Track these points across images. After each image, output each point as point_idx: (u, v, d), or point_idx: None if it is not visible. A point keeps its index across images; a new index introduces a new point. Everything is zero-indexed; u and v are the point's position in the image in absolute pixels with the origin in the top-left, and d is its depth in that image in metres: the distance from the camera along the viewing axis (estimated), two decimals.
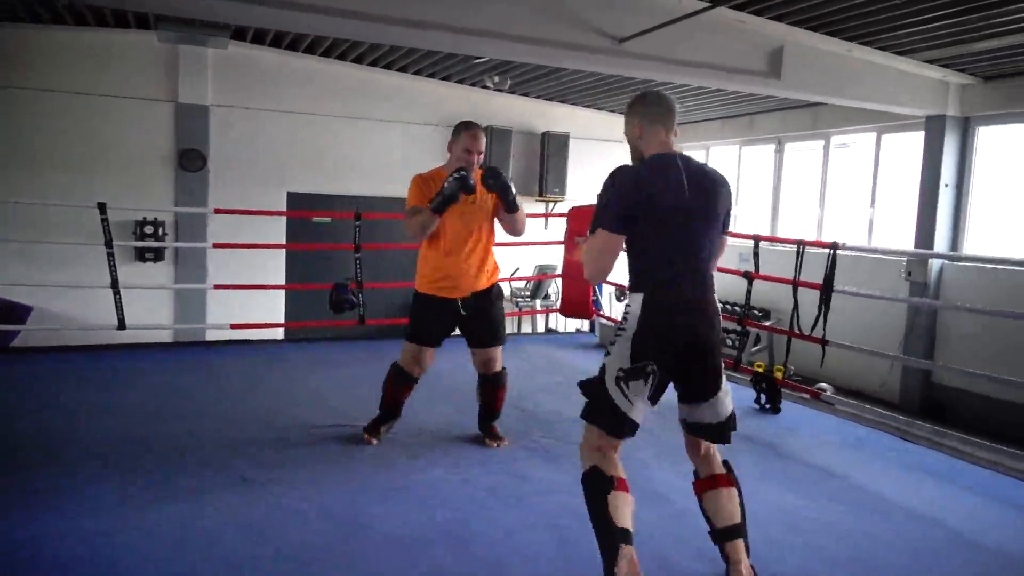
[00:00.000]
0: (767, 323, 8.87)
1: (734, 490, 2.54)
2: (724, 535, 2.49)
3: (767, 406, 4.72)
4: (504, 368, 3.80)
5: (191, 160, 8.81)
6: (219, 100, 9.06)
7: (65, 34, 8.23)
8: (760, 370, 4.87)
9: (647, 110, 2.55)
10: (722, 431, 2.52)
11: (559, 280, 8.52)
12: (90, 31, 8.32)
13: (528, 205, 10.62)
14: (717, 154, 11.43)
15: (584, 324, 7.76)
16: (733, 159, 11.07)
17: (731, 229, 2.59)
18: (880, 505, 3.30)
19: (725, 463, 2.58)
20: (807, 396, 5.02)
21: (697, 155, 11.67)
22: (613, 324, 6.74)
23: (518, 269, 9.94)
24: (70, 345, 5.74)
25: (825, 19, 6.29)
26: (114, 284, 5.26)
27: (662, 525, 2.97)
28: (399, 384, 3.72)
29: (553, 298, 10.38)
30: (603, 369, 2.45)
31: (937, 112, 7.60)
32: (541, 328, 10.41)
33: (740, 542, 2.47)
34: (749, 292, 5.33)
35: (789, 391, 4.97)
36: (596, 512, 2.38)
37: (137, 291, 6.85)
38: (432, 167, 3.73)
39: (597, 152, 11.30)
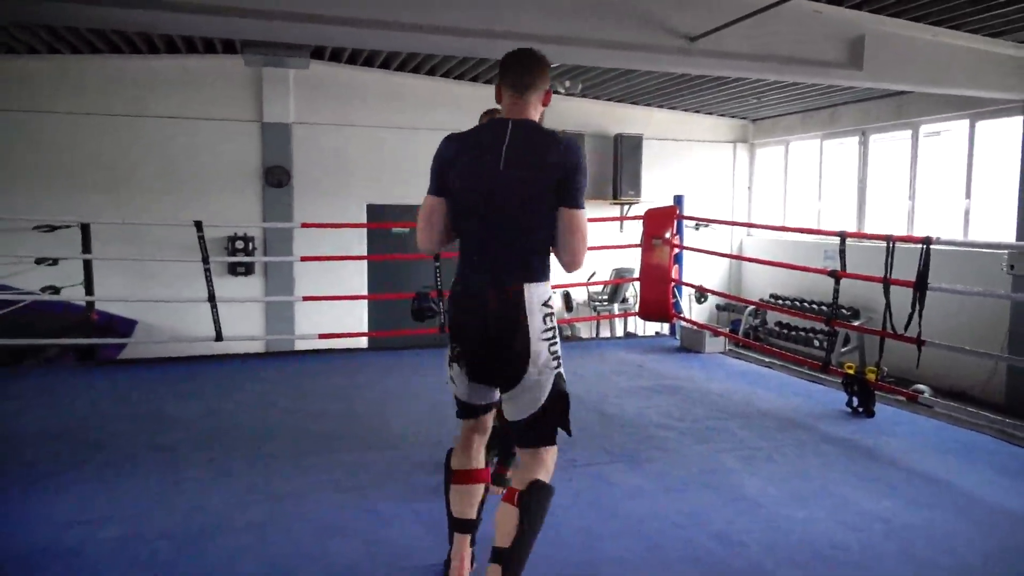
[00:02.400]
0: (856, 323, 8.54)
1: (514, 511, 2.12)
2: (492, 554, 2.14)
3: (859, 409, 4.55)
4: None
5: (276, 176, 9.19)
6: (301, 118, 9.41)
7: (158, 62, 8.73)
8: (851, 372, 4.70)
9: (503, 73, 2.25)
10: (522, 431, 2.20)
11: (637, 283, 8.46)
12: (181, 58, 8.80)
13: (602, 208, 10.64)
14: (797, 149, 11.10)
15: (664, 327, 7.68)
16: (814, 153, 10.73)
17: (581, 202, 2.14)
18: (982, 512, 3.15)
19: (535, 484, 2.16)
20: (903, 398, 4.82)
21: (775, 151, 11.41)
22: (692, 326, 6.64)
23: (595, 273, 9.91)
24: (171, 356, 6.07)
25: (908, 4, 6.04)
26: (211, 298, 5.54)
27: (753, 532, 2.91)
28: None
29: (631, 301, 10.30)
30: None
31: None
32: (620, 332, 10.35)
33: (496, 568, 2.10)
34: (836, 291, 5.16)
35: (883, 393, 4.78)
36: (444, 495, 2.42)
37: (230, 304, 7.18)
38: None
39: (672, 152, 11.17)
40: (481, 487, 2.41)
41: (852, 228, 9.72)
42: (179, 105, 8.84)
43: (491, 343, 2.15)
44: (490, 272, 2.15)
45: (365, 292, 9.24)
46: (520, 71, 2.21)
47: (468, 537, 2.40)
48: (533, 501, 2.14)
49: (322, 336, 6.18)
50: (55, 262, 7.32)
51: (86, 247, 7.18)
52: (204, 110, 8.96)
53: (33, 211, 7.66)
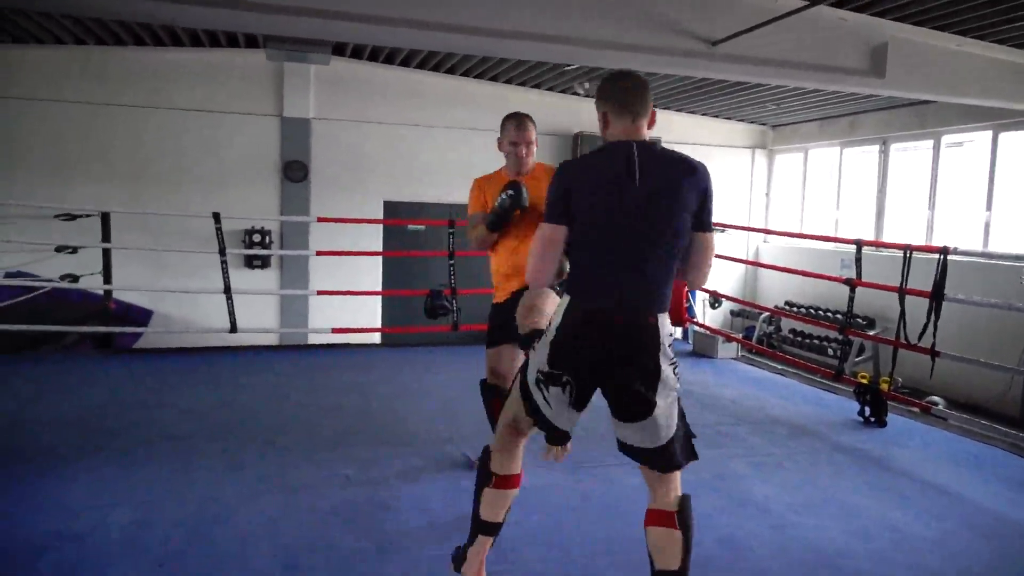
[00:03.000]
0: (871, 332, 8.47)
1: (676, 533, 2.13)
2: None
3: (871, 419, 4.53)
4: None
5: (295, 171, 9.24)
6: (320, 113, 9.46)
7: (181, 54, 8.81)
8: (865, 381, 4.68)
9: (613, 97, 2.17)
10: (659, 457, 2.16)
11: None
12: (205, 51, 8.88)
13: None
14: (816, 156, 11.03)
15: (677, 331, 7.66)
16: (834, 161, 10.66)
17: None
18: (992, 525, 3.12)
19: (683, 499, 2.18)
20: (916, 410, 4.79)
21: (794, 158, 11.34)
22: (705, 331, 6.61)
23: None
24: (187, 347, 6.14)
25: (932, 13, 5.98)
26: (227, 290, 5.59)
27: (761, 538, 2.91)
28: None
29: None
30: (526, 364, 2.26)
31: None
32: None
33: None
34: (852, 300, 5.13)
35: (896, 404, 4.75)
36: (475, 496, 2.36)
37: (245, 296, 7.25)
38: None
39: (692, 157, 11.13)
40: (516, 492, 2.38)
41: (870, 237, 9.66)
42: (200, 98, 8.92)
43: (617, 374, 2.08)
44: (622, 301, 2.05)
45: (379, 288, 9.28)
46: (631, 96, 2.15)
47: (491, 540, 2.40)
48: (689, 517, 2.15)
49: (335, 330, 6.21)
50: (75, 250, 7.43)
51: (105, 236, 7.27)
52: (225, 103, 9.03)
53: (54, 199, 7.75)
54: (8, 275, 6.99)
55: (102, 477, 3.27)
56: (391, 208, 9.59)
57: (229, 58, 8.99)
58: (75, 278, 7.52)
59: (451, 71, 9.60)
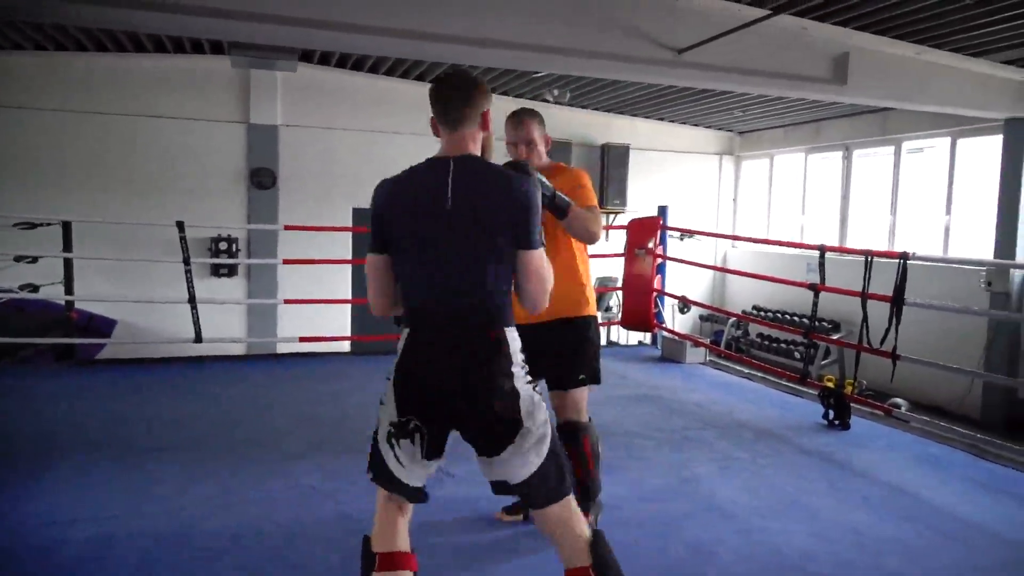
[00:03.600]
0: (836, 336, 8.61)
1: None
2: None
3: (836, 422, 4.60)
4: (580, 423, 2.90)
5: (262, 178, 9.15)
6: (288, 120, 9.39)
7: (145, 61, 8.68)
8: (830, 385, 4.75)
9: (432, 105, 2.02)
10: (526, 490, 1.94)
11: (620, 292, 8.48)
12: (170, 58, 8.76)
13: None
14: (782, 163, 11.21)
15: (646, 337, 7.71)
16: (799, 167, 10.84)
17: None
18: (955, 526, 3.18)
19: (593, 542, 1.95)
20: (879, 412, 4.87)
21: (760, 164, 11.50)
22: (673, 336, 6.67)
23: None
24: (151, 357, 6.03)
25: (892, 22, 6.13)
26: (192, 299, 5.50)
27: (728, 543, 2.93)
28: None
29: (614, 310, 10.33)
30: (378, 421, 2.02)
31: (1017, 115, 7.28)
32: (602, 341, 10.37)
33: None
34: (816, 304, 5.21)
35: (859, 406, 4.83)
36: None
37: (212, 305, 7.14)
38: None
39: (658, 163, 11.24)
40: (408, 574, 2.02)
41: (835, 242, 9.82)
42: (165, 105, 8.79)
43: (468, 404, 1.90)
44: (455, 323, 1.91)
45: (349, 296, 9.20)
46: (448, 103, 1.98)
47: None
48: (607, 555, 1.94)
49: (303, 339, 6.15)
50: (35, 260, 7.24)
51: (67, 245, 7.11)
52: (191, 110, 8.92)
53: (14, 208, 7.58)
54: None
55: (61, 492, 3.19)
56: (361, 215, 9.53)
57: (195, 65, 8.89)
58: (35, 288, 7.35)
59: (420, 78, 9.59)
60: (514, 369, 1.91)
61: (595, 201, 2.85)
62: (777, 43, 6.34)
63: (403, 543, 2.02)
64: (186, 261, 5.50)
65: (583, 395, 2.88)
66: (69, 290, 7.19)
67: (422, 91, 8.37)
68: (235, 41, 7.54)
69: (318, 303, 6.84)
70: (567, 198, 2.63)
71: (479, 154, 2.02)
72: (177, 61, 8.82)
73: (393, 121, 9.62)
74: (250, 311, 9.15)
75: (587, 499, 2.87)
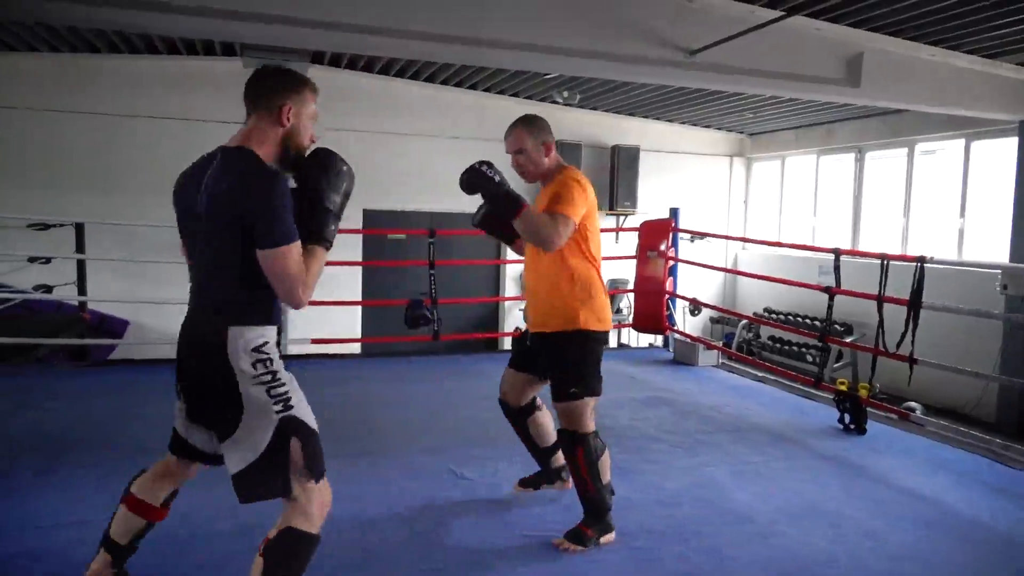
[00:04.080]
0: (850, 339, 8.56)
1: (259, 559, 1.98)
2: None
3: (851, 426, 4.56)
4: (578, 433, 2.87)
5: None
6: None
7: (157, 63, 8.72)
8: (843, 388, 4.71)
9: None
10: (247, 483, 1.97)
11: (631, 295, 8.45)
12: (181, 59, 8.79)
13: (599, 219, 10.65)
14: (793, 165, 11.15)
15: (657, 339, 7.68)
16: (810, 169, 10.78)
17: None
18: (972, 531, 3.15)
19: (280, 533, 1.99)
20: (895, 416, 4.83)
21: (771, 166, 11.45)
22: (686, 338, 6.64)
23: None
24: (163, 358, 6.03)
25: (906, 24, 6.08)
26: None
27: (746, 548, 2.90)
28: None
29: (625, 312, 10.30)
30: None
31: None
32: (613, 343, 10.35)
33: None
34: (830, 307, 5.17)
35: (875, 411, 4.79)
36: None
37: None
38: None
39: (668, 164, 11.20)
40: (143, 523, 2.25)
41: (847, 245, 9.77)
42: (177, 106, 8.82)
43: (201, 390, 2.00)
44: (192, 316, 2.03)
45: (359, 298, 9.21)
46: (246, 94, 2.05)
47: (111, 559, 2.25)
48: (279, 552, 1.96)
49: (315, 341, 6.16)
50: (48, 261, 7.29)
51: (80, 247, 7.15)
52: (202, 112, 8.93)
53: (27, 209, 7.61)
54: None
55: (76, 492, 3.19)
56: (371, 217, 9.54)
57: (206, 66, 8.91)
58: (49, 289, 7.39)
59: (430, 79, 9.59)
60: (237, 367, 1.92)
61: (567, 209, 2.73)
62: (790, 44, 6.30)
63: (157, 498, 2.25)
64: None
65: (577, 407, 2.85)
66: (82, 290, 7.22)
67: (432, 93, 8.45)
68: (248, 43, 7.56)
69: (330, 305, 6.84)
70: (520, 199, 2.64)
71: (263, 148, 2.00)
72: (189, 63, 8.85)
73: (404, 123, 9.62)
74: None
75: (588, 514, 2.88)
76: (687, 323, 10.17)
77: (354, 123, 9.61)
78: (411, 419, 4.47)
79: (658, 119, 11.03)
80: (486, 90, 9.89)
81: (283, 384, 1.98)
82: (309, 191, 2.01)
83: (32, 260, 7.27)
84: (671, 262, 6.43)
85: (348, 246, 9.24)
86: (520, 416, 3.21)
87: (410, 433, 4.17)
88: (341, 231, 7.34)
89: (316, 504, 2.00)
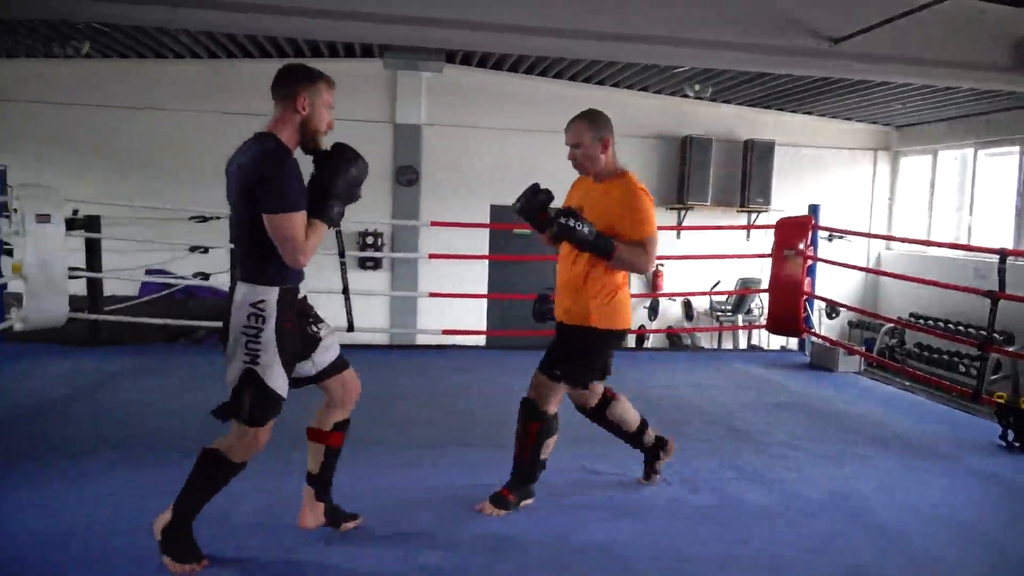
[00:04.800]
0: (1010, 348, 7.85)
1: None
2: None
3: (1016, 443, 4.18)
4: (539, 408, 2.99)
5: (406, 176, 9.52)
6: (431, 119, 9.70)
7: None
8: (1002, 400, 4.33)
9: None
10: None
11: (763, 295, 8.14)
12: (325, 62, 9.28)
13: (729, 216, 10.33)
14: (946, 159, 10.33)
15: (791, 342, 7.36)
16: (966, 164, 9.95)
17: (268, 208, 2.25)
18: None
19: (207, 451, 2.44)
20: None
21: (921, 160, 10.67)
22: (824, 342, 6.32)
23: (719, 282, 9.63)
24: None
25: None
26: (345, 290, 5.78)
27: (892, 570, 2.73)
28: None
29: (756, 313, 9.93)
30: None
31: None
32: (743, 344, 10.01)
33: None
34: (993, 313, 4.76)
35: None
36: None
37: (357, 296, 7.49)
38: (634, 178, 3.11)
39: (805, 159, 10.69)
40: (322, 447, 2.67)
41: (1008, 245, 8.95)
42: None
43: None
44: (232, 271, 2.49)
45: (485, 291, 9.41)
46: (272, 90, 2.42)
47: (311, 490, 2.70)
48: (202, 463, 2.42)
49: (445, 332, 6.34)
50: (206, 251, 7.92)
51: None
52: (343, 111, 9.32)
53: (191, 203, 8.28)
54: (149, 272, 7.53)
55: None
56: (498, 212, 9.70)
57: (347, 68, 9.34)
58: (206, 276, 8.02)
59: (559, 76, 9.62)
60: (235, 315, 2.30)
61: (649, 231, 2.89)
62: (948, 28, 5.85)
63: (326, 422, 2.69)
64: (341, 254, 5.78)
65: (550, 387, 3.00)
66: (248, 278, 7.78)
67: (559, 89, 8.48)
68: (387, 44, 7.88)
69: (460, 297, 7.02)
70: (610, 240, 2.83)
71: (284, 132, 2.36)
72: (332, 65, 9.26)
73: (531, 119, 9.70)
74: (392, 303, 9.54)
75: (515, 479, 3.07)
76: (823, 326, 9.68)
77: (484, 120, 9.81)
78: None
79: (795, 111, 10.54)
80: (614, 85, 9.81)
81: (259, 342, 2.31)
82: (320, 176, 2.37)
83: (192, 249, 7.93)
84: (809, 261, 6.13)
85: (474, 240, 9.45)
86: (598, 415, 3.25)
87: None
88: (468, 225, 7.53)
89: (243, 443, 2.40)
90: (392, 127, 9.59)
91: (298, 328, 2.43)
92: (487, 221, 9.65)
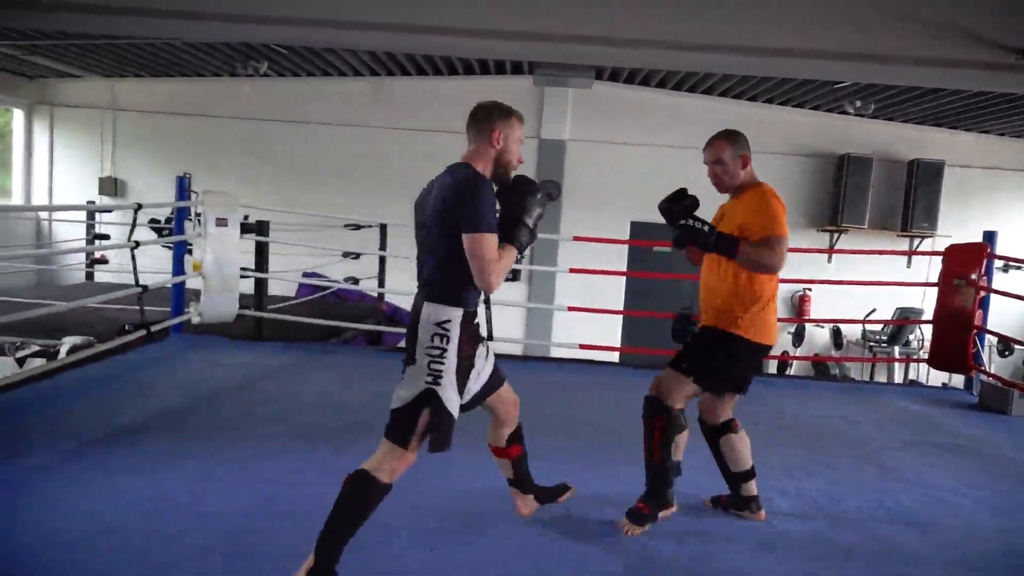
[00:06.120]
0: None
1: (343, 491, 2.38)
2: None
3: None
4: (663, 402, 2.94)
5: (550, 190, 9.63)
6: (575, 135, 9.79)
7: (453, 83, 9.62)
8: None
9: None
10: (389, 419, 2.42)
11: (924, 326, 7.53)
12: (475, 79, 9.62)
13: (889, 240, 9.66)
14: None
15: (952, 379, 6.76)
16: None
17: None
18: None
19: (358, 473, 2.36)
20: None
21: None
22: (996, 381, 5.76)
23: (875, 310, 9.02)
24: None
25: None
26: (487, 301, 5.94)
27: None
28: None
29: (915, 345, 9.21)
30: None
31: None
32: (898, 378, 9.30)
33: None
34: None
35: None
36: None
37: (495, 307, 7.67)
38: (782, 198, 3.04)
39: (980, 182, 9.83)
40: (508, 461, 2.83)
41: None
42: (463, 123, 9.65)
43: (408, 347, 2.45)
44: (415, 298, 2.48)
45: (621, 307, 9.33)
46: (468, 125, 2.56)
47: (517, 491, 2.89)
48: (352, 485, 2.34)
49: (583, 347, 6.35)
50: (358, 256, 8.38)
51: (383, 245, 8.11)
52: None
53: (344, 211, 8.82)
54: (306, 275, 8.08)
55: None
56: (638, 229, 9.62)
57: (495, 84, 9.65)
58: (356, 281, 8.50)
59: (708, 92, 9.43)
60: (420, 334, 2.37)
61: (776, 228, 2.86)
62: None
63: (499, 439, 2.83)
64: None
65: (677, 381, 2.95)
66: (381, 283, 8.19)
67: (707, 104, 8.30)
68: (537, 61, 8.05)
69: (598, 312, 7.01)
70: (733, 237, 2.84)
71: (480, 164, 2.47)
72: (482, 83, 9.64)
73: (676, 135, 9.57)
74: (529, 315, 9.67)
75: (648, 487, 3.00)
76: (994, 364, 8.83)
77: (627, 136, 9.80)
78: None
79: (968, 130, 9.72)
80: (767, 101, 9.48)
81: (443, 363, 2.36)
82: (510, 206, 2.50)
83: (345, 255, 8.42)
84: (982, 293, 5.62)
85: (613, 255, 9.41)
86: (713, 435, 3.16)
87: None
88: (609, 241, 7.52)
89: (397, 463, 2.37)
90: (537, 142, 9.76)
91: (472, 353, 2.46)
92: (627, 237, 9.59)
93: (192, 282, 6.02)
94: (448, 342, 2.35)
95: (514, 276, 9.68)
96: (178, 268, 6.03)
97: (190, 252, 6.17)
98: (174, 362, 5.38)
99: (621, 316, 9.37)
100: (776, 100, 9.42)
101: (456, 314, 2.37)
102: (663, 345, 6.00)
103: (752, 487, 3.15)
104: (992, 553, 3.02)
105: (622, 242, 9.15)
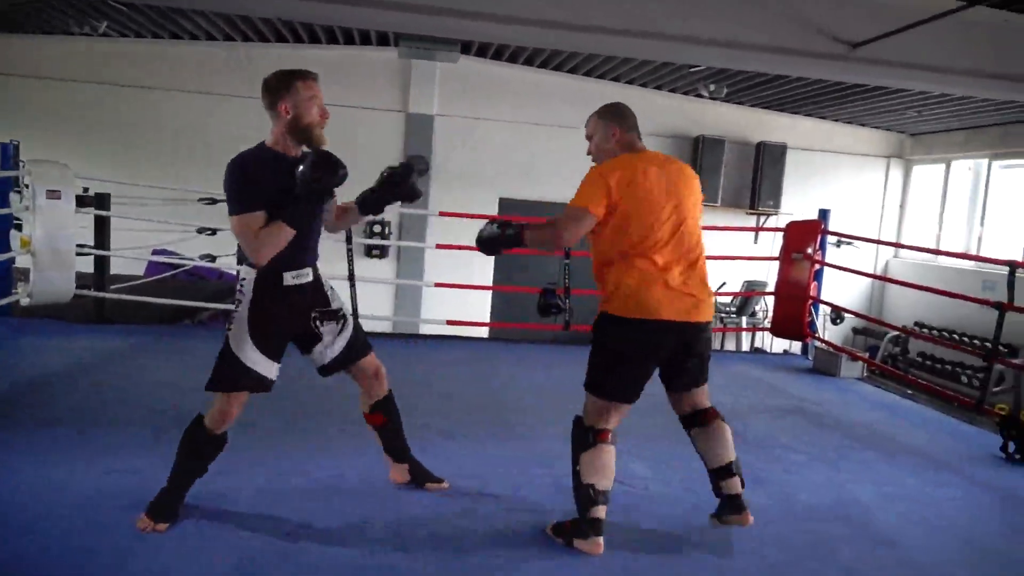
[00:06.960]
0: (1015, 360, 7.82)
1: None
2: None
3: (1016, 455, 4.16)
4: (578, 416, 2.78)
5: (417, 165, 9.51)
6: (443, 110, 9.69)
7: (316, 51, 9.24)
8: (1003, 412, 4.32)
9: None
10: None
11: (767, 297, 8.11)
12: (339, 48, 9.28)
13: (738, 218, 10.29)
14: (959, 169, 10.28)
15: (793, 346, 7.34)
16: (979, 175, 9.90)
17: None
18: None
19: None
20: None
21: (934, 169, 10.62)
22: (828, 347, 6.30)
23: (724, 284, 9.60)
24: None
25: None
26: (351, 277, 5.79)
27: (887, 573, 2.73)
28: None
29: (760, 316, 9.91)
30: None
31: None
32: (746, 347, 9.99)
33: None
34: (1000, 325, 4.73)
35: None
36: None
37: (362, 284, 7.51)
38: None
39: (817, 164, 10.65)
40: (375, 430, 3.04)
41: (1017, 258, 8.90)
42: (333, 93, 9.23)
43: None
44: None
45: (491, 283, 9.41)
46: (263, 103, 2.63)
47: (389, 458, 3.11)
48: (187, 430, 2.68)
49: (450, 322, 6.34)
50: (214, 232, 7.91)
51: None
52: (354, 99, 9.39)
53: (199, 184, 8.29)
54: (156, 252, 7.56)
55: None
56: (506, 205, 9.70)
57: (361, 55, 9.36)
58: (212, 258, 8.03)
59: (573, 71, 9.61)
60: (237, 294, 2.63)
61: (573, 200, 2.65)
62: (971, 37, 5.80)
63: (364, 405, 3.06)
64: (348, 240, 5.78)
65: (588, 397, 2.73)
66: (240, 261, 7.79)
67: (576, 84, 8.46)
68: (403, 33, 7.86)
69: (465, 288, 7.02)
70: (515, 229, 2.75)
71: (271, 137, 2.64)
72: (346, 52, 9.32)
73: (545, 113, 9.70)
74: (398, 292, 9.55)
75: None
76: (827, 331, 9.64)
77: (496, 112, 9.81)
78: (542, 405, 4.51)
79: (809, 115, 10.50)
80: (628, 82, 9.78)
81: (233, 316, 2.62)
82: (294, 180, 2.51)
83: (200, 231, 7.93)
84: (817, 266, 6.11)
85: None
86: (685, 425, 2.91)
87: (542, 417, 4.21)
88: (477, 216, 7.52)
89: (215, 409, 2.62)
90: (404, 116, 9.59)
91: (278, 314, 2.62)
92: (496, 213, 9.65)
93: (21, 260, 5.48)
94: (243, 295, 2.59)
95: (381, 252, 9.51)
96: (3, 245, 5.46)
97: (18, 227, 5.61)
98: None
99: (490, 292, 9.44)
100: (638, 81, 9.75)
101: (249, 274, 2.60)
102: (531, 319, 6.13)
103: (732, 484, 2.78)
104: (823, 506, 3.31)
105: (490, 217, 9.13)
